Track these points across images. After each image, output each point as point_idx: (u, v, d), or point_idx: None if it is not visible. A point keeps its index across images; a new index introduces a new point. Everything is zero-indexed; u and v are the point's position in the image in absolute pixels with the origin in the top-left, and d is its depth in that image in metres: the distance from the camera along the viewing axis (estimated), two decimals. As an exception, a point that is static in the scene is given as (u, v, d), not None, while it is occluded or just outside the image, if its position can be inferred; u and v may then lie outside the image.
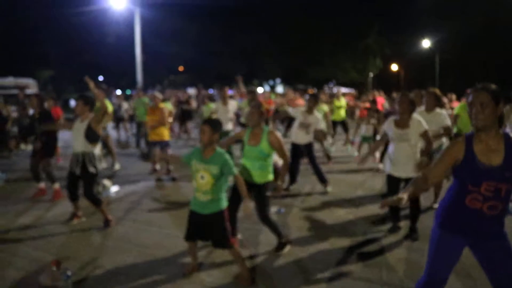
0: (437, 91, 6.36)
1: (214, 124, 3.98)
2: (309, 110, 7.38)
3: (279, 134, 4.70)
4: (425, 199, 6.68)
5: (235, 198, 4.55)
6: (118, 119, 14.42)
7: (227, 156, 3.99)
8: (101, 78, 45.50)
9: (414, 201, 5.41)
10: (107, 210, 5.85)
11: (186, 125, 14.36)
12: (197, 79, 48.51)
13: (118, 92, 44.91)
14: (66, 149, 10.77)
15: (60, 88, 38.72)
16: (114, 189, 7.53)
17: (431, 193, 6.80)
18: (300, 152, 7.52)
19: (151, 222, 5.96)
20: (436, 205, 6.53)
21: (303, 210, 6.55)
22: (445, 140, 6.51)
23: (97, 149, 5.68)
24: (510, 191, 2.64)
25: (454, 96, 15.93)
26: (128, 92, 36.69)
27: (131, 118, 15.03)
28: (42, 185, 7.18)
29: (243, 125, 11.19)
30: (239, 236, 5.07)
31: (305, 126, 7.34)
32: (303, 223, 5.93)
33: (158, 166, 9.21)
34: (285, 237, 4.85)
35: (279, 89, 52.78)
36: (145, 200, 7.12)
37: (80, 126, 5.60)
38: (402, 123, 5.20)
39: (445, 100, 12.88)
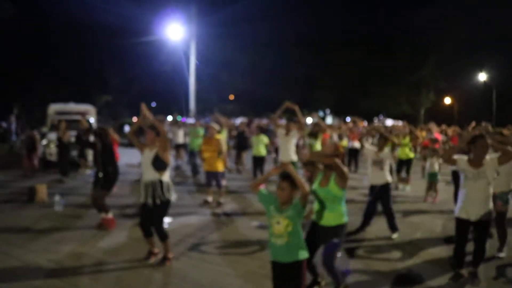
0: (506, 131, 6.12)
1: (294, 181, 3.80)
2: (380, 149, 7.22)
3: (348, 174, 4.53)
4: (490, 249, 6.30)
5: (310, 245, 4.19)
6: (176, 147, 14.67)
7: (303, 210, 3.83)
8: (153, 104, 46.86)
9: (481, 243, 5.17)
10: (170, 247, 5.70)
11: (242, 156, 14.34)
12: (247, 108, 49.08)
13: (169, 118, 46.07)
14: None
15: (116, 113, 40.12)
16: (166, 220, 7.50)
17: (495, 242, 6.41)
18: (376, 193, 7.15)
19: (205, 258, 5.88)
20: (501, 254, 6.13)
21: (361, 252, 6.32)
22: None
23: (166, 177, 5.65)
24: None
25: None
26: (179, 118, 37.52)
27: (185, 146, 15.23)
28: (104, 215, 7.15)
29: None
30: (323, 283, 4.85)
31: (378, 162, 7.12)
32: (359, 267, 5.68)
33: (210, 199, 9.18)
34: (343, 285, 4.65)
35: (329, 120, 52.52)
36: (199, 234, 7.05)
37: (149, 156, 5.59)
38: (477, 163, 5.02)
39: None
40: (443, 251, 6.37)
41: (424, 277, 5.38)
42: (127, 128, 25.75)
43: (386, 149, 7.27)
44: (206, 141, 9.02)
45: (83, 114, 15.46)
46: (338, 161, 4.34)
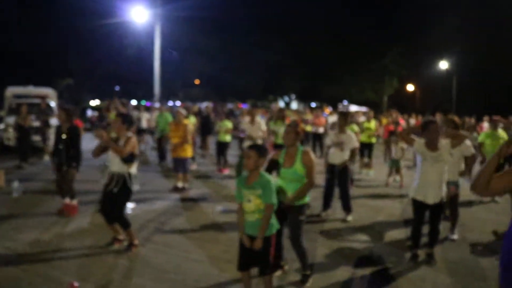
0: (456, 118, 6.33)
1: (259, 150, 3.95)
2: (341, 129, 7.27)
3: (313, 155, 4.58)
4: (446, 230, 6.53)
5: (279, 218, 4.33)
6: (138, 131, 14.41)
7: (272, 182, 3.93)
8: (117, 88, 46.03)
9: (435, 225, 5.43)
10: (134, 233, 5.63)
11: (207, 141, 14.25)
12: (212, 93, 48.85)
13: (133, 102, 45.28)
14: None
15: (78, 97, 39.14)
16: (130, 205, 7.41)
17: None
18: (335, 173, 7.28)
19: (169, 243, 5.84)
20: (453, 237, 6.39)
21: (323, 235, 6.43)
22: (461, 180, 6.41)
23: (134, 169, 5.55)
24: None
25: (473, 120, 15.75)
26: (143, 102, 36.96)
27: (151, 131, 15.01)
28: (67, 200, 7.01)
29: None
30: (286, 267, 4.95)
31: (338, 144, 7.19)
32: (322, 250, 5.79)
33: (180, 184, 9.13)
34: (309, 269, 4.72)
35: (294, 105, 52.84)
36: (163, 219, 7.00)
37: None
38: (433, 147, 5.22)
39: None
40: (402, 234, 6.57)
41: (384, 258, 5.55)
42: (89, 113, 25.24)
43: (350, 132, 7.35)
44: (173, 127, 8.93)
45: (43, 97, 15.01)
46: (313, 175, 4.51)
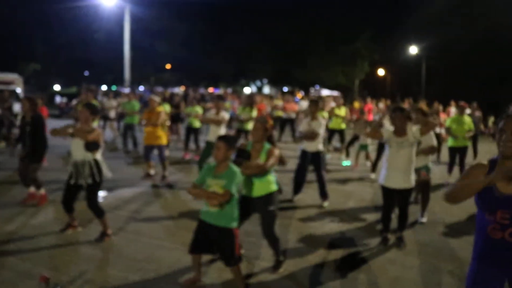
0: (424, 106, 6.51)
1: (229, 141, 3.98)
2: (312, 117, 7.32)
3: (277, 152, 4.59)
4: (416, 214, 6.71)
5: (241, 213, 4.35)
6: (105, 118, 14.14)
7: (238, 175, 3.96)
8: (86, 73, 45.01)
9: (404, 209, 5.57)
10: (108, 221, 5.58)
11: (178, 128, 14.14)
12: (184, 78, 48.34)
13: (104, 87, 44.45)
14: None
15: (45, 82, 38.14)
16: (101, 194, 7.32)
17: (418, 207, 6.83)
18: (308, 160, 7.37)
19: (142, 232, 5.82)
20: (423, 219, 6.57)
21: (295, 221, 6.51)
22: (430, 158, 6.57)
23: (99, 155, 5.46)
24: None
25: (440, 107, 16.05)
26: (114, 88, 36.33)
27: (119, 117, 14.74)
28: (32, 190, 6.91)
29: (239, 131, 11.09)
30: (242, 251, 4.98)
31: (311, 134, 7.21)
32: (294, 235, 5.87)
33: (152, 171, 9.05)
34: (283, 255, 4.78)
35: (266, 90, 52.80)
36: (135, 207, 6.96)
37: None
38: (400, 133, 5.33)
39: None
40: (372, 218, 6.72)
41: (354, 242, 5.68)
42: (58, 99, 24.68)
43: (321, 119, 7.42)
44: (147, 114, 8.81)
45: (8, 83, 14.59)
46: (271, 161, 4.43)
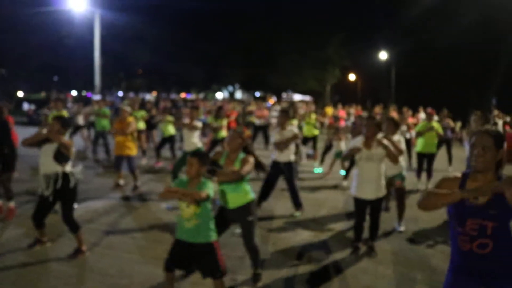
0: (395, 115, 6.63)
1: (202, 157, 3.97)
2: (282, 127, 7.34)
3: (252, 160, 4.60)
4: (386, 222, 6.81)
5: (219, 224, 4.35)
6: (75, 127, 13.87)
7: (211, 185, 3.96)
8: (55, 78, 44.16)
9: (375, 219, 5.65)
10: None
11: (153, 135, 13.98)
12: (156, 83, 47.99)
13: (74, 93, 43.49)
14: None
15: (12, 88, 37.16)
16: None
17: (394, 215, 6.93)
18: (279, 170, 7.36)
19: (113, 246, 5.73)
20: (401, 228, 6.66)
21: (268, 231, 6.52)
22: (404, 165, 6.69)
23: (69, 167, 5.35)
24: (499, 229, 2.62)
25: (410, 112, 16.36)
26: (84, 93, 35.80)
27: (90, 125, 14.49)
28: (9, 203, 6.67)
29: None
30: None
31: (281, 144, 7.23)
32: (268, 246, 5.87)
33: (122, 181, 8.94)
34: (260, 268, 4.78)
35: (238, 94, 52.89)
36: (106, 220, 6.85)
37: (51, 148, 5.24)
38: (369, 144, 5.39)
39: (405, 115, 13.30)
40: (345, 226, 6.79)
41: (328, 251, 5.74)
42: (26, 106, 24.10)
43: (292, 127, 7.45)
44: (118, 124, 8.70)
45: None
46: (246, 168, 4.42)
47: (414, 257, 5.68)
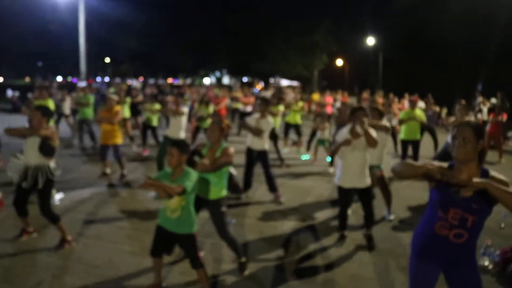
0: (380, 99, 6.67)
1: (182, 147, 4.03)
2: (262, 115, 7.35)
3: (232, 150, 4.66)
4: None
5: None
6: (60, 115, 13.74)
7: (194, 175, 4.03)
8: (40, 63, 43.57)
9: (368, 208, 5.66)
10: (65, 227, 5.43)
11: (137, 121, 13.88)
12: (142, 69, 47.58)
13: (59, 78, 42.91)
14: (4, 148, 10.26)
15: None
16: (58, 196, 7.16)
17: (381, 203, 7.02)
18: (254, 157, 7.46)
19: (100, 236, 5.74)
20: (391, 217, 6.74)
21: (254, 220, 6.57)
22: (384, 158, 6.75)
23: (52, 163, 5.34)
24: (476, 223, 2.79)
25: (396, 99, 16.47)
26: (69, 79, 35.37)
27: (74, 112, 14.35)
28: None
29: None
30: (202, 253, 5.01)
31: (257, 130, 7.22)
32: (254, 235, 5.93)
33: (108, 170, 8.89)
34: (243, 256, 4.83)
35: (226, 80, 52.72)
36: (93, 209, 6.83)
37: (35, 140, 5.20)
38: (356, 134, 5.38)
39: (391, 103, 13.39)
40: (330, 214, 6.87)
41: (313, 239, 5.81)
42: (10, 92, 23.70)
43: (270, 119, 7.43)
44: (104, 113, 8.63)
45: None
46: (224, 158, 4.52)
47: (400, 245, 5.77)
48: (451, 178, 2.75)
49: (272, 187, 7.50)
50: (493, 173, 2.81)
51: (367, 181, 5.57)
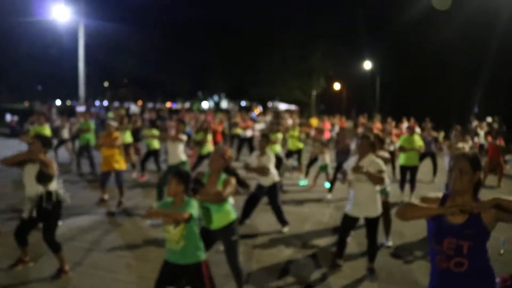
0: (379, 126, 6.69)
1: (183, 176, 4.01)
2: (261, 152, 7.33)
3: (233, 181, 4.62)
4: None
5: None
6: (60, 141, 13.76)
7: (195, 203, 3.99)
8: (39, 87, 43.74)
9: (373, 237, 5.59)
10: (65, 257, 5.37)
11: (137, 147, 13.84)
12: (141, 92, 47.83)
13: (58, 102, 43.03)
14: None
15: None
16: (55, 223, 7.11)
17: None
18: (262, 192, 7.29)
19: (98, 265, 5.69)
20: (389, 243, 6.71)
21: (253, 248, 6.53)
22: (387, 180, 6.73)
23: (53, 186, 5.31)
24: (473, 248, 2.74)
25: (393, 124, 16.55)
26: (68, 102, 35.50)
27: (74, 137, 14.38)
28: None
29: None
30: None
31: (261, 169, 7.12)
32: (252, 263, 5.89)
33: (106, 196, 8.85)
34: (244, 286, 4.78)
35: (224, 104, 52.98)
36: (90, 237, 6.79)
37: (34, 169, 5.21)
38: (357, 169, 5.31)
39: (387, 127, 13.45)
40: (328, 242, 6.83)
41: (311, 268, 5.76)
42: (8, 117, 23.74)
43: (270, 153, 7.39)
44: (104, 139, 8.64)
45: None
46: (228, 190, 4.43)
47: (397, 272, 5.74)
48: (455, 211, 2.74)
49: (281, 220, 7.35)
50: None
51: (378, 210, 5.52)
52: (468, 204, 2.72)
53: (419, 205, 2.88)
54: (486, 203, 2.63)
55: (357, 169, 5.28)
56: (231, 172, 4.70)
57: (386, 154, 6.43)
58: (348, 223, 5.63)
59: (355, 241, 6.65)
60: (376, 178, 5.27)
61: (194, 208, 3.92)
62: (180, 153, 8.57)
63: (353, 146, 9.65)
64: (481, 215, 2.71)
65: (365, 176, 5.28)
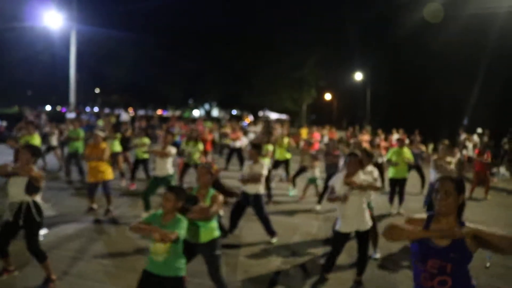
0: (367, 138, 6.75)
1: (179, 193, 4.02)
2: (254, 161, 7.33)
3: (221, 198, 4.66)
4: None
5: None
6: (48, 147, 13.66)
7: (185, 222, 3.99)
8: (29, 93, 43.44)
9: (363, 251, 5.61)
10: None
11: (127, 157, 13.74)
12: (132, 99, 47.70)
13: (48, 107, 42.68)
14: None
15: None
16: (42, 232, 7.03)
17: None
18: (248, 201, 7.29)
19: (85, 275, 5.65)
20: (377, 255, 6.75)
21: (240, 258, 6.52)
22: (372, 196, 6.78)
23: (38, 197, 5.28)
24: (457, 268, 2.85)
25: (383, 136, 16.66)
26: (58, 108, 35.26)
27: (63, 144, 14.28)
28: None
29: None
30: None
31: (252, 178, 7.18)
32: (239, 274, 5.89)
33: (95, 206, 8.79)
34: None
35: (215, 112, 53.04)
36: (78, 246, 6.73)
37: (20, 179, 5.15)
38: (350, 183, 5.38)
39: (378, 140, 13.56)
40: (317, 252, 6.85)
41: (300, 279, 5.77)
42: (-2, 122, 23.47)
43: (262, 161, 7.45)
44: (91, 149, 8.57)
45: None
46: (214, 208, 4.50)
47: (384, 283, 5.77)
48: (439, 235, 2.85)
49: (269, 230, 7.34)
50: (470, 225, 2.90)
51: (368, 224, 5.55)
52: (451, 231, 2.82)
53: (405, 228, 2.97)
54: (467, 232, 2.78)
55: (350, 185, 5.33)
56: (219, 186, 4.75)
57: (375, 173, 6.42)
58: (340, 241, 5.63)
59: (344, 253, 6.66)
60: (373, 187, 5.41)
61: (183, 229, 3.92)
62: (168, 166, 8.55)
63: (341, 162, 9.68)
64: (465, 239, 2.82)
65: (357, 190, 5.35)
